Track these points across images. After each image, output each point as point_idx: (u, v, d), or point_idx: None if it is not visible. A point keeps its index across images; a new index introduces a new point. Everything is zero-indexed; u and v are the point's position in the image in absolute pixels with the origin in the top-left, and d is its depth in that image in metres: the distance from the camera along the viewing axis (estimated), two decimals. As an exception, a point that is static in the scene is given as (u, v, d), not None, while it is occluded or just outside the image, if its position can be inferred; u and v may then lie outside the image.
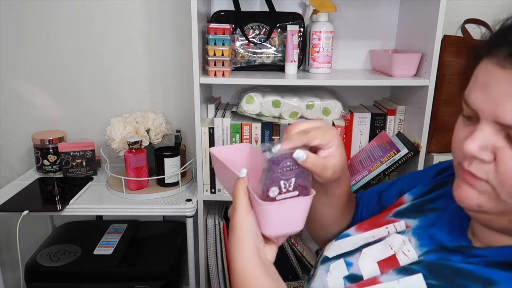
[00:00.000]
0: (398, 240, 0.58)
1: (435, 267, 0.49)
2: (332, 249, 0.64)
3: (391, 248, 0.57)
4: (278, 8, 1.31)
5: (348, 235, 0.65)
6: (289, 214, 0.52)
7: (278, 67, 1.31)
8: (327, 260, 0.63)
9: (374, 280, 0.52)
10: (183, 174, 1.35)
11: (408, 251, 0.55)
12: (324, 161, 0.55)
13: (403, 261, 0.55)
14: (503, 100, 0.41)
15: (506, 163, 0.42)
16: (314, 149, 0.55)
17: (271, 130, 1.25)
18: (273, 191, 0.50)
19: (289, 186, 0.51)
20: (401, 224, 0.61)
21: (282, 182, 0.51)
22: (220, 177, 0.65)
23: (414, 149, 1.19)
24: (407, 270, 0.51)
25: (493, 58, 0.43)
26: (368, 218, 0.70)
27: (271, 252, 0.53)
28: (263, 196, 0.50)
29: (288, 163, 0.51)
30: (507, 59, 0.41)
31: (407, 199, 0.67)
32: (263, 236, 0.52)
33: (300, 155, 0.51)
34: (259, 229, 0.52)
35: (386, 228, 0.61)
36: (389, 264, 0.56)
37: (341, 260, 0.61)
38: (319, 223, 0.71)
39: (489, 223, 0.48)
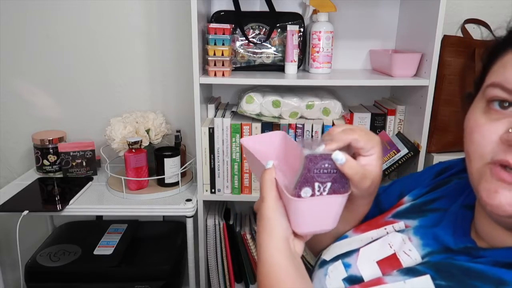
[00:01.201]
0: (397, 238, 0.56)
1: (443, 267, 0.48)
2: (329, 252, 0.63)
3: (391, 247, 0.56)
4: (278, 8, 1.31)
5: (345, 237, 0.63)
6: (321, 212, 0.49)
7: (278, 67, 1.31)
8: (324, 263, 0.61)
9: (378, 281, 0.51)
10: (183, 174, 1.35)
11: (409, 250, 0.54)
12: (364, 169, 0.51)
13: (405, 261, 0.53)
14: None
15: None
16: (353, 156, 0.52)
17: (271, 130, 1.25)
18: (306, 192, 0.48)
19: (324, 190, 0.48)
20: (400, 225, 0.60)
21: (316, 184, 0.48)
22: (252, 168, 0.63)
23: (414, 149, 1.19)
24: (413, 271, 0.49)
25: None
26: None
27: (299, 246, 0.52)
28: (294, 193, 0.48)
29: (326, 165, 0.48)
30: None
31: (406, 200, 0.65)
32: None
33: (339, 156, 0.48)
34: (288, 221, 0.50)
35: (385, 229, 0.60)
36: (390, 264, 0.54)
37: (339, 262, 0.59)
38: (329, 236, 0.68)
39: None
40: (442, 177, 0.65)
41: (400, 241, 0.56)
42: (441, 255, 0.51)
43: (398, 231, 0.58)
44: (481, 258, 0.47)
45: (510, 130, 0.41)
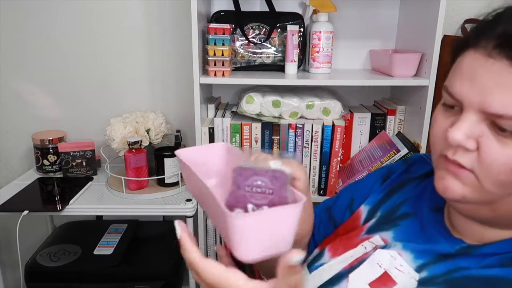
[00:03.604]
0: (385, 256, 0.55)
1: (458, 283, 0.46)
2: (309, 284, 0.58)
3: (380, 266, 0.54)
4: (278, 8, 1.31)
5: (322, 264, 0.60)
6: (271, 230, 0.39)
7: (278, 67, 1.31)
8: None
9: None
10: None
11: (401, 265, 0.53)
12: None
13: (398, 277, 0.52)
14: (492, 90, 0.41)
15: (489, 151, 0.43)
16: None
17: (271, 130, 1.25)
18: (238, 213, 0.39)
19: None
20: (376, 239, 0.58)
21: (250, 206, 0.39)
22: (190, 185, 0.52)
23: (414, 149, 1.19)
24: None
25: (480, 49, 0.43)
26: (322, 238, 0.67)
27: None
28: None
29: (259, 182, 0.39)
30: (495, 50, 0.41)
31: (364, 210, 0.65)
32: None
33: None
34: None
35: (362, 245, 0.59)
36: (383, 283, 0.52)
37: None
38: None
39: (471, 213, 0.49)
40: (390, 180, 0.66)
41: (388, 258, 0.54)
42: (440, 265, 0.50)
43: (384, 248, 0.56)
44: (487, 258, 0.47)
45: (448, 129, 0.45)
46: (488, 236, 0.49)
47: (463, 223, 0.52)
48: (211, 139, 1.24)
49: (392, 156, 1.20)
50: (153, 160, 1.31)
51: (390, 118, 1.32)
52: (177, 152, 0.50)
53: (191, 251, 0.42)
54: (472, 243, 0.50)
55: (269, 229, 0.39)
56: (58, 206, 1.18)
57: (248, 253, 0.39)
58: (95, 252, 1.27)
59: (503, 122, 0.41)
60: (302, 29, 1.31)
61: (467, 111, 0.44)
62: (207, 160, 0.52)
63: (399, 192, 0.63)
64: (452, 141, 0.44)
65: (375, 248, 0.57)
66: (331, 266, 0.59)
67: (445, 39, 1.20)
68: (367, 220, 0.64)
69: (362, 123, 1.31)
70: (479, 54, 0.43)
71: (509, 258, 0.46)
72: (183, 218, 1.25)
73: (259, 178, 0.39)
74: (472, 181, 0.45)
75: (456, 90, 0.45)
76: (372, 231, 0.60)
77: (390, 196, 0.63)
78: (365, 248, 0.58)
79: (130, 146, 1.24)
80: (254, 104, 1.23)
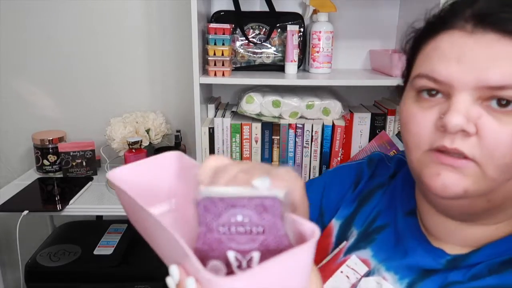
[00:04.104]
0: (371, 284, 0.52)
1: None
2: None
3: None
4: (278, 8, 1.31)
5: None
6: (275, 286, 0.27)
7: (278, 67, 1.31)
8: None
9: None
10: (183, 174, 1.35)
11: None
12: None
13: None
14: (487, 64, 0.40)
15: (491, 132, 0.40)
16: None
17: (271, 130, 1.25)
18: (214, 268, 0.28)
19: (249, 263, 0.28)
20: (352, 259, 0.55)
21: (231, 255, 0.27)
22: (132, 217, 0.37)
23: (414, 149, 1.19)
24: None
25: (460, 28, 0.42)
26: None
27: None
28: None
29: (240, 218, 0.27)
30: (478, 27, 0.41)
31: (335, 225, 0.62)
32: None
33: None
34: None
35: (341, 272, 0.55)
36: None
37: None
38: None
39: (465, 210, 0.46)
40: (360, 187, 0.62)
41: (374, 285, 0.51)
42: (428, 280, 0.48)
43: (368, 275, 0.53)
44: (474, 268, 0.45)
45: (441, 116, 0.42)
46: (469, 236, 0.48)
47: (440, 225, 0.50)
48: (211, 139, 1.24)
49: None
50: (153, 160, 1.31)
51: (390, 118, 1.32)
52: (108, 174, 0.36)
53: None
54: (453, 253, 0.48)
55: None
56: (58, 206, 1.18)
57: None
58: (95, 252, 1.26)
59: (505, 94, 0.39)
60: (302, 29, 1.31)
61: (459, 93, 0.41)
62: (153, 179, 0.38)
63: (369, 202, 0.60)
64: (452, 127, 0.40)
65: (359, 279, 0.53)
66: None
67: (445, 39, 1.20)
68: (339, 236, 0.61)
69: (362, 123, 1.31)
70: (460, 32, 0.42)
71: (497, 264, 0.45)
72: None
73: (238, 212, 0.26)
74: (474, 171, 0.41)
75: (442, 73, 0.42)
76: (350, 251, 0.57)
77: (360, 207, 0.60)
78: (348, 277, 0.54)
79: (130, 146, 1.24)
80: (254, 104, 1.23)
